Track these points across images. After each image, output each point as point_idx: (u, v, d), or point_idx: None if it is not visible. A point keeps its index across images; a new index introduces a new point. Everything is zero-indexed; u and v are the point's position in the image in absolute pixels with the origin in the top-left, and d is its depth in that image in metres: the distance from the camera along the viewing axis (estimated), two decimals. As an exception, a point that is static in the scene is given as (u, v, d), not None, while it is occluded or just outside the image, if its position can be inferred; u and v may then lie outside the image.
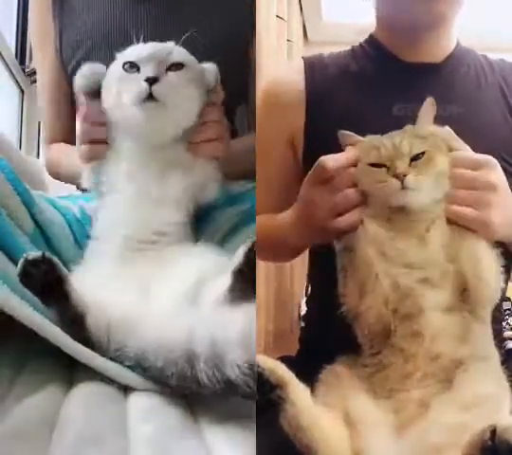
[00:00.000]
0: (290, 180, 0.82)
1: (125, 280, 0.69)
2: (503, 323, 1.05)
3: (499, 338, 0.75)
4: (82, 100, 0.79)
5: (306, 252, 0.87)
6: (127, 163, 0.77)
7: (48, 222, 0.76)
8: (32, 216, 0.73)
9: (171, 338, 0.53)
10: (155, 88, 0.70)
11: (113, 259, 0.73)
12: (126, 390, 0.54)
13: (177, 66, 0.73)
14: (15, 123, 1.71)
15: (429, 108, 0.65)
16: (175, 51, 0.75)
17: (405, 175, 0.58)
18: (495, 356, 0.60)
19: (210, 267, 0.67)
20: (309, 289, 0.96)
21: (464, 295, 0.59)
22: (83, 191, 0.94)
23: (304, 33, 1.87)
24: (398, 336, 0.59)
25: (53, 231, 0.77)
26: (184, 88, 0.73)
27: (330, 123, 0.73)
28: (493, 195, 0.60)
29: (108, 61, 0.77)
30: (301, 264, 1.32)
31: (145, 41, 0.77)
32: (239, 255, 0.60)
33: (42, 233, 0.75)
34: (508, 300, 1.27)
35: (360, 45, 0.87)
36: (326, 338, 0.75)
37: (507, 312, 1.31)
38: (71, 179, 1.01)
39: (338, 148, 0.66)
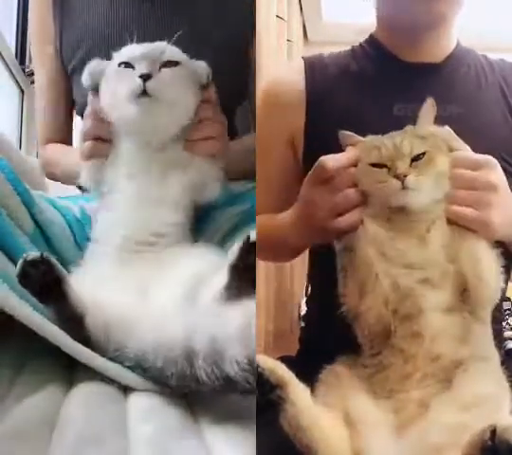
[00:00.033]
0: (290, 180, 0.82)
1: (124, 281, 0.69)
2: (503, 323, 1.05)
3: (499, 338, 0.75)
4: (89, 97, 0.79)
5: (306, 252, 0.87)
6: (127, 164, 0.77)
7: (48, 222, 0.76)
8: (32, 216, 0.73)
9: (170, 337, 0.53)
10: (149, 84, 0.71)
11: (112, 260, 0.73)
12: (126, 390, 0.54)
13: (171, 64, 0.74)
14: (15, 123, 1.71)
15: (429, 108, 0.65)
16: (168, 50, 0.75)
17: (405, 176, 0.58)
18: (495, 357, 0.60)
19: (210, 267, 0.67)
20: (309, 289, 0.96)
21: (464, 295, 0.59)
22: (83, 190, 0.94)
23: (304, 33, 1.87)
24: (398, 337, 0.59)
25: (53, 231, 0.77)
26: (178, 84, 0.74)
27: (330, 123, 0.73)
28: (493, 195, 0.60)
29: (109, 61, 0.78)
30: (301, 264, 1.32)
31: (146, 41, 0.77)
32: (234, 251, 0.61)
33: (42, 233, 0.75)
34: (508, 299, 1.27)
35: (360, 45, 0.87)
36: (326, 338, 0.75)
37: (507, 312, 1.31)
38: (67, 179, 1.01)
39: (338, 148, 0.66)
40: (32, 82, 1.73)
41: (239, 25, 1.03)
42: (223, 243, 0.79)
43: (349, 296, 0.61)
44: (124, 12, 1.01)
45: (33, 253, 0.56)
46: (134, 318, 0.58)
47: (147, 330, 0.56)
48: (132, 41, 0.77)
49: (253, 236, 0.60)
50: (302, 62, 0.86)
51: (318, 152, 0.65)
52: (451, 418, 0.53)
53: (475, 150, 0.63)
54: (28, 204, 0.72)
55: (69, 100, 1.10)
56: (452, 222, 0.60)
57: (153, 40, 0.77)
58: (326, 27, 1.85)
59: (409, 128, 0.63)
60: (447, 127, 0.64)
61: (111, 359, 0.55)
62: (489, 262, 0.59)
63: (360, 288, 0.60)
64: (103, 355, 0.55)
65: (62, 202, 0.86)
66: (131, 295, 0.66)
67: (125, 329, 0.57)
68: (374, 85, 0.81)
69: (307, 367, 0.58)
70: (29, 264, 0.55)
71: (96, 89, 0.78)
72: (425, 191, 0.59)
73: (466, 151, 0.63)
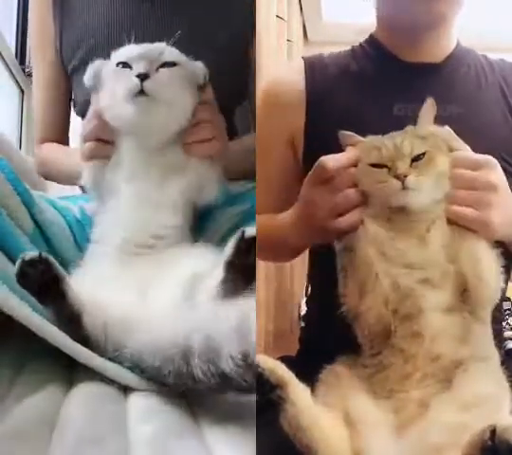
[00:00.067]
0: (290, 180, 0.82)
1: (124, 281, 0.69)
2: (503, 323, 1.05)
3: (499, 338, 0.75)
4: (92, 97, 0.79)
5: (306, 252, 0.87)
6: (126, 166, 0.77)
7: (48, 222, 0.76)
8: (32, 216, 0.73)
9: (166, 337, 0.53)
10: (147, 84, 0.71)
11: (112, 261, 0.74)
12: (126, 390, 0.54)
13: (169, 65, 0.74)
14: (15, 123, 1.71)
15: (429, 109, 0.65)
16: (166, 51, 0.76)
17: (406, 176, 0.58)
18: (495, 357, 0.60)
19: (209, 267, 0.67)
20: (309, 289, 0.96)
21: (464, 295, 0.59)
22: (84, 190, 0.94)
23: (304, 33, 1.87)
24: (398, 337, 0.59)
25: (53, 232, 0.77)
26: (175, 85, 0.74)
27: (330, 123, 0.73)
28: (493, 195, 0.60)
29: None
30: (301, 264, 1.32)
31: (145, 41, 0.77)
32: (229, 247, 0.61)
33: (42, 233, 0.75)
34: (508, 299, 1.27)
35: (360, 45, 0.87)
36: (326, 338, 0.75)
37: (507, 312, 1.31)
38: (66, 179, 1.01)
39: (338, 148, 0.66)
40: (32, 82, 1.73)
41: (239, 25, 1.03)
42: (223, 243, 0.79)
43: (349, 296, 0.61)
44: (124, 12, 1.01)
45: (31, 253, 0.56)
46: (133, 319, 0.58)
47: (146, 330, 0.56)
48: (130, 41, 0.77)
49: (249, 232, 0.60)
50: (302, 62, 0.86)
51: (318, 152, 0.65)
52: (451, 418, 0.53)
53: (475, 150, 0.63)
54: (28, 204, 0.72)
55: (67, 100, 1.10)
56: (452, 222, 0.60)
57: (152, 40, 0.77)
58: (326, 27, 1.85)
59: (409, 128, 0.63)
60: (447, 127, 0.64)
61: (110, 359, 0.55)
62: (489, 262, 0.59)
63: (360, 288, 0.60)
64: (103, 356, 0.55)
65: (62, 202, 0.86)
66: (130, 295, 0.66)
67: (124, 329, 0.57)
68: (374, 85, 0.81)
69: (307, 367, 0.58)
70: (28, 264, 0.55)
71: (98, 89, 0.78)
72: (425, 191, 0.59)
73: (466, 151, 0.63)
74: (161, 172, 0.77)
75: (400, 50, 0.82)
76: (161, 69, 0.73)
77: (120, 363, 0.55)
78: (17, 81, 1.69)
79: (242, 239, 0.60)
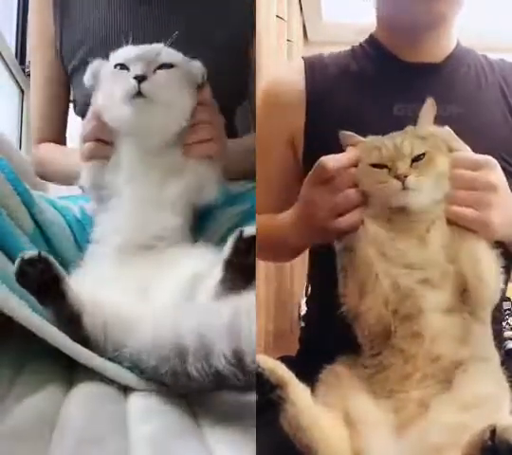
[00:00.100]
0: (290, 180, 0.82)
1: (124, 281, 0.69)
2: (503, 323, 1.05)
3: (499, 339, 0.75)
4: (92, 98, 0.79)
5: (306, 252, 0.87)
6: (126, 167, 0.77)
7: (48, 222, 0.76)
8: (32, 216, 0.73)
9: (162, 336, 0.53)
10: (144, 85, 0.71)
11: (112, 261, 0.74)
12: (126, 390, 0.54)
13: (166, 66, 0.74)
14: (15, 123, 1.71)
15: (429, 109, 0.65)
16: (164, 52, 0.76)
17: (406, 176, 0.58)
18: (495, 357, 0.60)
19: (209, 267, 0.67)
20: (309, 289, 0.96)
21: (464, 296, 0.59)
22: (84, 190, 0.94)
23: (304, 33, 1.87)
24: (398, 337, 0.59)
25: (53, 231, 0.77)
26: (173, 86, 0.74)
27: (330, 123, 0.73)
28: (493, 196, 0.60)
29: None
30: (301, 264, 1.32)
31: (145, 42, 0.77)
32: (228, 246, 0.61)
33: (42, 233, 0.75)
34: (508, 300, 1.27)
35: (360, 45, 0.87)
36: (326, 338, 0.75)
37: (507, 312, 1.31)
38: (65, 179, 1.01)
39: (338, 148, 0.66)
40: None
41: (239, 25, 1.03)
42: (223, 243, 0.78)
43: (349, 296, 0.61)
44: (124, 13, 1.01)
45: (31, 252, 0.56)
46: (133, 319, 0.58)
47: (144, 330, 0.56)
48: (127, 42, 0.77)
49: (247, 231, 0.60)
50: (302, 62, 0.86)
51: (318, 152, 0.65)
52: (451, 418, 0.53)
53: (475, 150, 0.63)
54: (28, 204, 0.72)
55: (65, 100, 1.10)
56: (452, 222, 0.60)
57: (151, 41, 0.78)
58: (326, 27, 1.85)
59: (409, 128, 0.63)
60: (447, 127, 0.64)
61: (110, 359, 0.55)
62: (489, 262, 0.59)
63: (360, 288, 0.60)
64: (102, 356, 0.55)
65: (62, 202, 0.86)
66: (130, 295, 0.66)
67: (124, 329, 0.57)
68: (374, 85, 0.81)
69: (307, 367, 0.58)
70: (27, 263, 0.55)
71: (97, 90, 0.78)
72: (425, 191, 0.59)
73: (465, 151, 0.63)
74: (161, 173, 0.77)
75: (400, 50, 0.82)
76: (158, 71, 0.73)
77: (120, 363, 0.55)
78: (17, 81, 1.68)
79: (240, 238, 0.60)
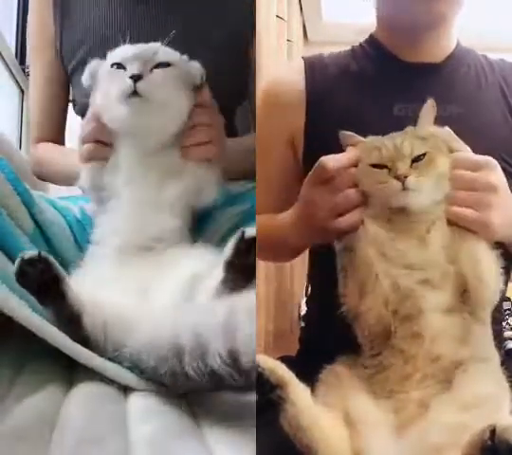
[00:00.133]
0: (290, 180, 0.82)
1: (124, 281, 0.69)
2: (503, 323, 1.05)
3: (499, 339, 0.75)
4: (91, 98, 0.79)
5: (306, 252, 0.87)
6: (124, 169, 0.77)
7: (48, 222, 0.76)
8: (32, 216, 0.73)
9: (161, 336, 0.53)
10: (140, 85, 0.71)
11: (112, 262, 0.74)
12: (126, 390, 0.54)
13: (163, 65, 0.74)
14: (15, 123, 1.71)
15: (429, 109, 0.65)
16: (161, 51, 0.75)
17: (406, 177, 0.58)
18: (495, 357, 0.60)
19: (208, 268, 0.67)
20: (309, 289, 0.96)
21: (464, 296, 0.59)
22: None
23: (304, 33, 1.87)
24: (398, 338, 0.59)
25: (53, 232, 0.77)
26: (170, 86, 0.74)
27: (330, 123, 0.73)
28: (493, 196, 0.60)
29: (107, 61, 0.78)
30: (301, 264, 1.32)
31: (143, 41, 0.77)
32: (229, 247, 0.61)
33: (42, 233, 0.75)
34: (508, 299, 1.27)
35: (360, 45, 0.87)
36: (326, 338, 0.75)
37: (507, 312, 1.31)
38: (64, 179, 1.01)
39: (338, 148, 0.66)
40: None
41: (239, 25, 1.03)
42: (223, 243, 0.78)
43: (349, 296, 0.61)
44: (124, 13, 1.01)
45: (31, 252, 0.56)
46: (133, 319, 0.58)
47: (143, 330, 0.56)
48: (125, 41, 0.77)
49: (249, 232, 0.60)
50: (302, 62, 0.86)
51: (318, 152, 0.65)
52: (451, 418, 0.53)
53: (475, 150, 0.63)
54: (28, 204, 0.72)
55: (64, 100, 1.10)
56: (452, 223, 0.60)
57: (149, 41, 0.77)
58: (326, 27, 1.85)
59: (409, 129, 0.63)
60: (447, 128, 0.64)
61: (110, 359, 0.55)
62: (489, 263, 0.59)
63: (360, 288, 0.60)
64: (102, 355, 0.55)
65: (62, 202, 0.86)
66: (130, 295, 0.66)
67: (124, 329, 0.57)
68: (374, 85, 0.81)
69: (307, 367, 0.58)
70: (27, 263, 0.55)
71: (95, 90, 0.78)
72: (425, 191, 0.59)
73: (466, 152, 0.63)
74: (159, 175, 0.76)
75: (400, 50, 0.82)
76: (155, 70, 0.73)
77: (120, 363, 0.55)
78: (17, 81, 1.69)
79: (242, 239, 0.60)
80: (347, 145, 0.66)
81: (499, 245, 0.62)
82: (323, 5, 1.81)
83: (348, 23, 1.67)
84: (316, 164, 0.64)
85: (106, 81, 0.75)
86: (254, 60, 1.08)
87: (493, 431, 0.46)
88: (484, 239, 0.60)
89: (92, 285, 0.64)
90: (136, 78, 0.71)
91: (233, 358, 0.46)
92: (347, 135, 0.66)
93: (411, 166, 0.59)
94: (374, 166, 0.61)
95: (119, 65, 0.74)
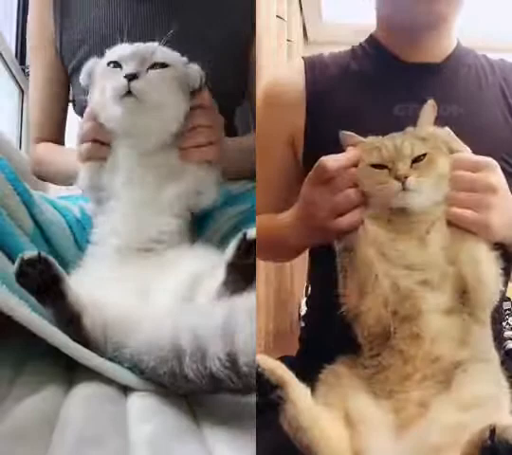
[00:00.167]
0: (290, 180, 0.82)
1: (123, 282, 0.69)
2: (503, 323, 1.05)
3: (499, 339, 0.75)
4: (88, 97, 0.79)
5: (306, 252, 0.87)
6: (123, 170, 0.76)
7: (48, 222, 0.76)
8: (32, 216, 0.73)
9: (160, 337, 0.53)
10: (134, 84, 0.70)
11: (111, 262, 0.73)
12: (126, 390, 0.54)
13: (160, 65, 0.73)
14: (15, 123, 1.71)
15: (429, 110, 0.65)
16: (159, 51, 0.75)
17: (406, 177, 0.58)
18: (495, 358, 0.60)
19: (208, 269, 0.67)
20: (309, 289, 0.96)
21: (463, 297, 0.59)
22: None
23: (304, 33, 1.87)
24: (398, 338, 0.58)
25: (53, 232, 0.77)
26: (165, 86, 0.73)
27: (330, 123, 0.73)
28: (493, 197, 0.60)
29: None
30: (301, 264, 1.32)
31: (145, 42, 0.77)
32: (231, 248, 0.61)
33: (42, 233, 0.75)
34: (508, 300, 1.27)
35: (360, 45, 0.87)
36: (326, 338, 0.75)
37: (507, 312, 1.31)
38: (64, 179, 1.00)
39: (338, 148, 0.66)
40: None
41: (239, 25, 1.03)
42: (223, 243, 0.78)
43: (349, 296, 0.61)
44: (125, 12, 1.01)
45: (30, 252, 0.56)
46: (132, 319, 0.58)
47: (143, 330, 0.56)
48: (122, 40, 0.76)
49: (250, 234, 0.60)
50: (302, 62, 0.86)
51: (318, 152, 0.65)
52: (451, 418, 0.53)
53: (475, 150, 0.63)
54: (28, 204, 0.72)
55: (65, 100, 1.10)
56: (452, 224, 0.60)
57: (148, 40, 0.77)
58: (326, 27, 1.85)
59: (409, 129, 0.63)
60: (447, 128, 0.64)
61: (110, 360, 0.55)
62: (489, 264, 0.59)
63: (360, 289, 0.60)
64: (102, 355, 0.55)
65: (62, 202, 0.86)
66: (130, 296, 0.66)
67: (124, 329, 0.57)
68: (374, 85, 0.81)
69: (307, 367, 0.58)
70: (27, 264, 0.55)
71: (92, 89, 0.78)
72: (425, 192, 0.59)
73: (466, 152, 0.63)
74: (158, 176, 0.76)
75: (400, 50, 0.82)
76: (151, 70, 0.72)
77: (120, 363, 0.55)
78: (17, 81, 1.68)
79: (243, 241, 0.60)
80: (347, 145, 0.66)
81: (498, 245, 0.62)
82: (323, 5, 1.81)
83: (348, 23, 1.67)
84: (316, 164, 0.64)
85: (102, 79, 0.75)
86: (254, 60, 1.08)
87: (493, 431, 0.46)
88: (483, 240, 0.60)
89: (92, 286, 0.64)
90: (130, 77, 0.70)
91: (232, 362, 0.46)
92: (347, 135, 0.66)
93: (411, 166, 0.59)
94: (375, 166, 0.61)
95: (116, 64, 0.73)
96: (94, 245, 0.77)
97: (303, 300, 1.24)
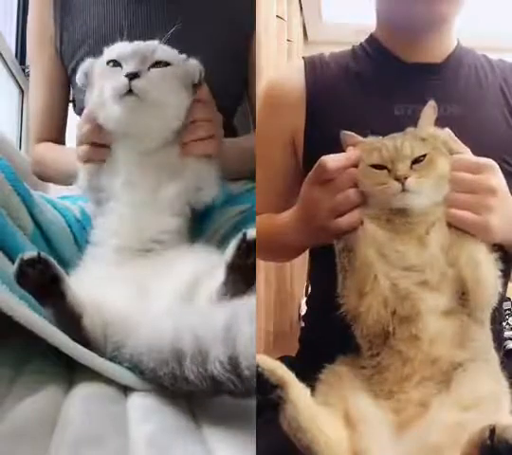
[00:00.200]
0: (290, 180, 0.82)
1: (123, 282, 0.69)
2: (503, 324, 1.05)
3: (499, 339, 0.75)
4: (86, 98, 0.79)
5: (306, 252, 0.87)
6: (122, 170, 0.76)
7: (48, 222, 0.76)
8: (32, 216, 0.73)
9: (161, 338, 0.53)
10: (135, 83, 0.69)
11: (111, 262, 0.73)
12: (126, 390, 0.54)
13: (161, 64, 0.73)
14: (15, 123, 1.71)
15: (430, 110, 0.65)
16: (160, 49, 0.74)
17: (406, 178, 0.58)
18: (494, 358, 0.60)
19: (208, 269, 0.67)
20: (309, 289, 0.96)
21: (462, 298, 0.59)
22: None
23: (304, 33, 1.87)
24: (397, 339, 0.58)
25: (53, 231, 0.77)
26: (167, 85, 0.73)
27: (330, 123, 0.73)
28: (493, 199, 0.60)
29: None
30: (301, 264, 1.32)
31: (144, 40, 0.76)
32: (231, 249, 0.61)
33: (42, 233, 0.75)
34: (508, 300, 1.27)
35: (361, 45, 0.87)
36: (326, 338, 0.74)
37: (507, 312, 1.31)
38: (64, 179, 1.00)
39: (338, 148, 0.66)
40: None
41: (239, 24, 1.03)
42: (223, 243, 0.79)
43: (348, 296, 0.61)
44: (125, 12, 1.01)
45: (30, 252, 0.56)
46: (133, 320, 0.58)
47: (142, 331, 0.56)
48: (122, 38, 0.76)
49: (250, 234, 0.60)
50: (303, 61, 0.86)
51: (318, 152, 0.65)
52: (451, 418, 0.53)
53: (475, 150, 0.63)
54: (29, 204, 0.72)
55: (65, 100, 1.10)
56: (452, 225, 0.60)
57: (152, 40, 0.77)
58: (326, 27, 1.85)
59: (409, 130, 0.63)
60: (447, 129, 0.64)
61: (110, 360, 0.55)
62: (488, 265, 0.59)
63: (359, 289, 0.60)
64: (102, 355, 0.55)
65: (62, 202, 0.86)
66: (130, 296, 0.66)
67: (124, 329, 0.57)
68: (374, 85, 0.81)
69: (307, 367, 0.58)
70: (27, 264, 0.55)
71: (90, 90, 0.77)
72: (425, 193, 0.59)
73: (466, 153, 0.63)
74: (158, 176, 0.76)
75: (400, 50, 0.82)
76: (152, 69, 0.72)
77: (120, 364, 0.55)
78: (17, 81, 1.68)
79: (244, 241, 0.60)
80: (347, 145, 0.66)
81: (498, 247, 0.62)
82: (323, 5, 1.81)
83: (348, 23, 1.67)
84: (316, 164, 0.64)
85: (101, 79, 0.74)
86: (254, 60, 1.08)
87: (493, 431, 0.46)
88: (483, 241, 0.60)
89: (92, 286, 0.64)
90: (131, 76, 0.69)
91: (233, 365, 0.46)
92: (347, 135, 0.66)
93: (410, 167, 0.59)
94: (374, 166, 0.61)
95: (115, 63, 0.72)
96: (94, 245, 0.77)
97: (303, 300, 1.24)
